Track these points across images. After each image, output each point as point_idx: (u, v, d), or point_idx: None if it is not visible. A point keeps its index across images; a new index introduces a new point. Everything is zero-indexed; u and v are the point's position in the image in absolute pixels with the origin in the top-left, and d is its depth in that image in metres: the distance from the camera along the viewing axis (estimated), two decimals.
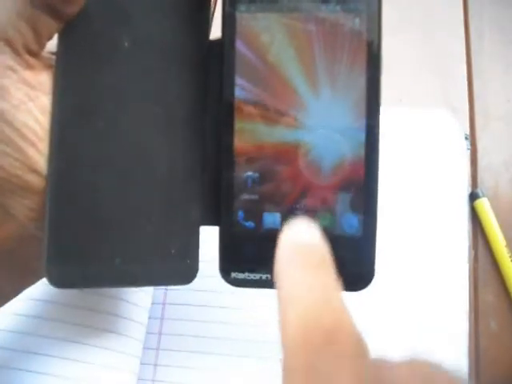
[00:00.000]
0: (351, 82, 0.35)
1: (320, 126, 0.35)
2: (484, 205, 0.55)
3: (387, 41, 0.35)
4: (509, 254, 0.53)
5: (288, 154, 0.36)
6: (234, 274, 0.35)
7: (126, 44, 0.34)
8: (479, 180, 0.58)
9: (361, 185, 0.34)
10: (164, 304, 0.49)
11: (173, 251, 0.35)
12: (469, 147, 0.58)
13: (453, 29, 0.63)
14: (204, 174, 0.37)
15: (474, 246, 0.55)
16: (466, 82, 0.60)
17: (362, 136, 0.34)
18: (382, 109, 0.35)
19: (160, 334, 0.48)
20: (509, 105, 0.60)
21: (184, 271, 0.36)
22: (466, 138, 0.58)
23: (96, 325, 0.44)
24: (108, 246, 0.33)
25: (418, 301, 0.51)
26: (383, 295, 0.51)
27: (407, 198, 0.54)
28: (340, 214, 0.35)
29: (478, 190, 0.56)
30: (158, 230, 0.35)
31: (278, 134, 0.36)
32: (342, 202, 0.35)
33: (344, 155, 0.35)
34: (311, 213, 0.35)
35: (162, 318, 0.49)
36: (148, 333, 0.48)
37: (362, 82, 0.35)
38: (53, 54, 0.33)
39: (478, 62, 0.62)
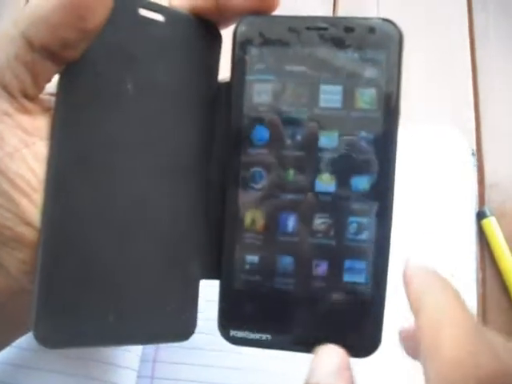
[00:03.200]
0: (364, 134, 0.33)
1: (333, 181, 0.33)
2: (492, 224, 0.54)
3: None
4: None
5: (298, 207, 0.33)
6: (233, 332, 0.33)
7: (130, 87, 0.32)
8: (486, 198, 0.56)
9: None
10: (155, 362, 0.47)
11: (170, 307, 0.33)
12: (475, 164, 0.56)
13: (459, 45, 0.60)
14: (206, 226, 0.35)
15: (482, 267, 0.53)
16: (472, 98, 0.58)
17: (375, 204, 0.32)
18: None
19: None
20: None
21: (181, 328, 0.34)
22: (473, 155, 0.56)
23: None
24: (102, 302, 0.31)
25: None
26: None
27: (413, 217, 0.53)
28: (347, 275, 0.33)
29: (486, 209, 0.55)
30: (156, 286, 0.33)
31: (289, 185, 0.33)
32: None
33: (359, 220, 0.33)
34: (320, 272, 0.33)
35: (152, 377, 0.46)
36: None
37: (377, 138, 0.32)
38: (52, 95, 0.31)
39: (484, 78, 0.60)
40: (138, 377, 0.45)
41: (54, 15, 0.27)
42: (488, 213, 0.54)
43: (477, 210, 0.55)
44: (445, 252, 0.52)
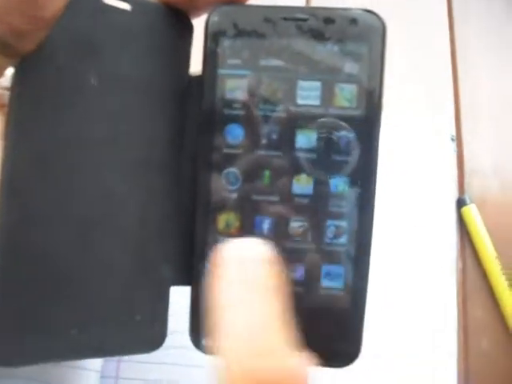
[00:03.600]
0: (343, 133, 0.31)
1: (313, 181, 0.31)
2: (471, 212, 0.53)
3: None
4: (499, 266, 0.51)
5: (274, 210, 0.32)
6: (204, 341, 0.32)
7: (93, 81, 0.30)
8: (466, 185, 0.55)
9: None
10: (119, 361, 0.45)
11: (139, 317, 0.32)
12: (455, 150, 0.55)
13: (438, 28, 0.59)
14: (177, 227, 0.33)
15: (462, 256, 0.52)
16: (451, 82, 0.57)
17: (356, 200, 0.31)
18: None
19: None
20: (498, 106, 0.57)
21: (150, 338, 0.33)
22: (453, 140, 0.55)
23: None
24: (64, 314, 0.29)
25: (403, 317, 0.49)
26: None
27: (391, 206, 0.51)
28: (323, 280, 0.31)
29: (466, 196, 0.53)
30: (123, 293, 0.31)
31: (265, 187, 0.32)
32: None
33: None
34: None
35: (116, 378, 0.45)
36: None
37: (357, 137, 0.31)
38: (6, 89, 0.28)
39: (464, 62, 0.58)
40: (102, 377, 0.44)
41: (3, 1, 0.24)
42: (468, 200, 0.53)
43: (457, 197, 0.54)
44: (424, 241, 0.51)
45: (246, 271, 0.20)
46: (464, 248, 0.53)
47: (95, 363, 0.43)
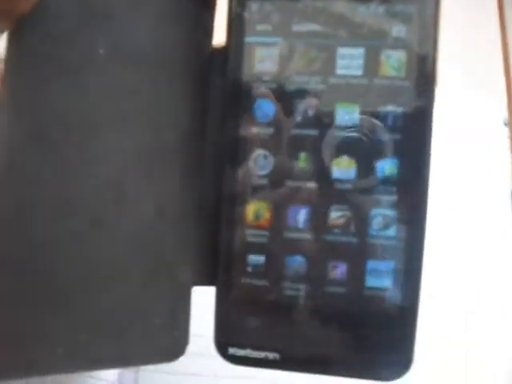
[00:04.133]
0: (390, 107, 0.27)
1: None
2: None
3: None
4: None
5: (311, 198, 0.28)
6: (232, 350, 0.28)
7: (102, 52, 0.26)
8: None
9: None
10: (137, 372, 0.41)
11: (156, 321, 0.28)
12: (508, 135, 0.50)
13: (488, 9, 0.54)
14: (198, 221, 0.29)
15: None
16: (502, 62, 0.52)
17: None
18: None
19: None
20: None
21: (169, 345, 0.29)
22: (505, 124, 0.50)
23: None
24: (69, 318, 0.25)
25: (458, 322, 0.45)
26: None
27: (440, 199, 0.47)
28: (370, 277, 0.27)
29: None
30: (137, 295, 0.27)
31: (300, 171, 0.28)
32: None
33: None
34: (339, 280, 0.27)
35: None
36: None
37: (407, 112, 0.26)
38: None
39: None
40: None
41: None
42: None
43: (511, 187, 0.49)
44: (475, 239, 0.47)
45: None
46: None
47: (109, 373, 0.40)
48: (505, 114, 0.50)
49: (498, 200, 0.47)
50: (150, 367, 0.40)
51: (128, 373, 0.41)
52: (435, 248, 0.46)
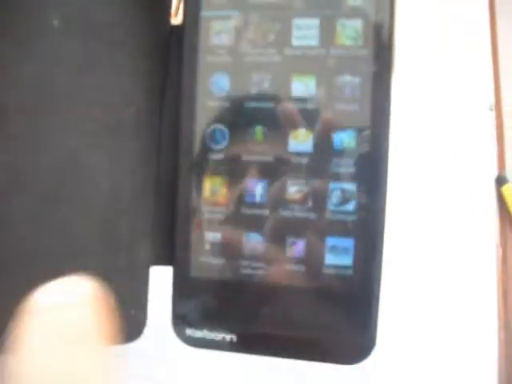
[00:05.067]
0: (347, 77, 0.26)
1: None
2: None
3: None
4: None
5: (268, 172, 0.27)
6: (189, 331, 0.27)
7: (55, 24, 0.25)
8: (508, 160, 0.49)
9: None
10: None
11: (113, 300, 0.27)
12: (494, 120, 0.49)
13: None
14: (156, 198, 0.29)
15: (503, 242, 0.47)
16: (489, 42, 0.51)
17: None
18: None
19: None
20: None
21: (128, 324, 0.28)
22: (491, 109, 0.49)
23: None
24: (22, 295, 0.24)
25: (440, 306, 0.44)
26: (394, 298, 0.44)
27: (423, 185, 0.46)
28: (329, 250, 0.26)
29: (506, 173, 0.48)
30: (93, 274, 0.26)
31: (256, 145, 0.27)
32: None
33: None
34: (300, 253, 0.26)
35: None
36: None
37: (365, 82, 0.26)
38: None
39: (503, 25, 0.53)
40: None
41: None
42: (509, 178, 0.47)
43: (496, 174, 0.48)
44: (460, 225, 0.46)
45: (58, 323, 0.18)
46: (505, 232, 0.47)
47: None
48: (491, 99, 0.49)
49: (483, 188, 0.46)
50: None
51: None
52: (417, 236, 0.45)
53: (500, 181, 0.47)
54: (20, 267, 0.25)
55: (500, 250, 0.45)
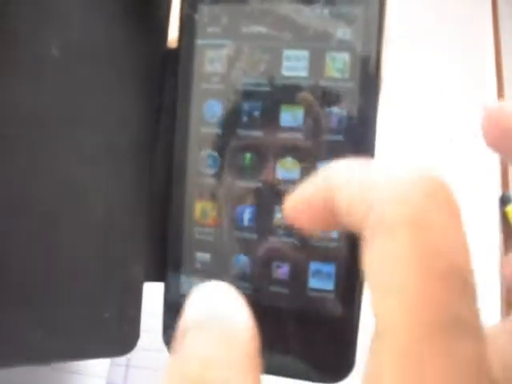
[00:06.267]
0: (334, 109, 0.27)
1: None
2: None
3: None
4: None
5: (256, 198, 0.28)
6: None
7: (54, 50, 0.26)
8: (511, 179, 0.49)
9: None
10: (128, 366, 0.42)
11: (105, 315, 0.28)
12: None
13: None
14: (150, 218, 0.30)
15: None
16: (493, 55, 0.51)
17: None
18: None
19: None
20: None
21: (119, 339, 0.29)
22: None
23: None
24: (21, 314, 0.26)
25: None
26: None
27: None
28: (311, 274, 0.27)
29: (510, 193, 0.48)
30: (88, 290, 0.28)
31: (246, 171, 0.28)
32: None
33: None
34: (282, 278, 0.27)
35: None
36: None
37: (351, 114, 0.26)
38: None
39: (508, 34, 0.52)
40: None
41: None
42: None
43: (500, 193, 0.48)
44: None
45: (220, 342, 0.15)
46: (509, 251, 0.47)
47: (100, 368, 0.40)
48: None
49: (487, 207, 0.47)
50: (140, 364, 0.41)
51: (118, 368, 0.42)
52: None
53: (504, 200, 0.47)
54: (16, 287, 0.26)
55: (503, 270, 0.45)
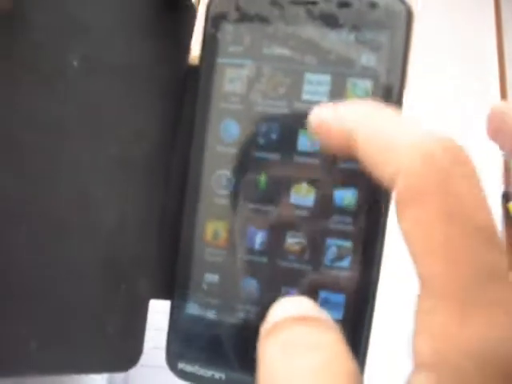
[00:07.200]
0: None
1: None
2: None
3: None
4: None
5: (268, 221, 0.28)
6: (181, 365, 0.28)
7: (75, 63, 0.26)
8: None
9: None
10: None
11: (109, 330, 0.28)
12: None
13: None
14: (160, 235, 0.30)
15: (510, 260, 0.47)
16: (496, 55, 0.51)
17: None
18: None
19: None
20: None
21: (122, 355, 0.29)
22: None
23: None
24: (21, 325, 0.26)
25: None
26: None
27: None
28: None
29: None
30: (93, 304, 0.28)
31: (260, 194, 0.28)
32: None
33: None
34: None
35: None
36: None
37: None
38: None
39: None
40: None
41: None
42: None
43: (502, 190, 0.48)
44: None
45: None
46: (511, 248, 0.48)
47: None
48: None
49: (490, 203, 0.47)
50: (143, 363, 0.41)
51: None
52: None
53: (506, 197, 0.48)
54: (22, 295, 0.26)
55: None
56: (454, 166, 0.16)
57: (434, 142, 0.17)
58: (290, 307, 0.18)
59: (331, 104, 0.20)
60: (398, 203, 0.17)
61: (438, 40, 0.50)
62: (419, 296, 0.16)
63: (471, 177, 0.16)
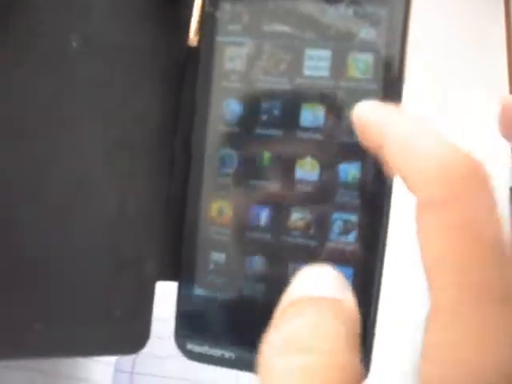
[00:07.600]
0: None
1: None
2: None
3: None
4: None
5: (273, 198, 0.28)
6: (190, 346, 0.28)
7: (75, 44, 0.26)
8: None
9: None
10: (132, 373, 0.42)
11: (116, 313, 0.28)
12: None
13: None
14: (165, 217, 0.29)
15: None
16: (505, 55, 0.51)
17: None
18: None
19: None
20: None
21: (129, 338, 0.29)
22: None
23: None
24: (26, 306, 0.26)
25: None
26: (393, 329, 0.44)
27: None
28: None
29: None
30: (99, 286, 0.28)
31: (264, 171, 0.28)
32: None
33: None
34: None
35: None
36: None
37: None
38: None
39: None
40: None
41: None
42: None
43: (510, 185, 0.48)
44: None
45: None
46: None
47: (104, 375, 0.40)
48: None
49: (497, 197, 0.46)
50: (145, 371, 0.41)
51: (122, 375, 0.42)
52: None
53: None
54: (25, 277, 0.26)
55: None
56: (472, 183, 0.16)
57: (457, 155, 0.17)
58: (310, 282, 0.19)
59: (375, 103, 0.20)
60: (418, 207, 0.17)
61: (443, 30, 0.50)
62: (428, 312, 0.16)
63: (487, 194, 0.16)
